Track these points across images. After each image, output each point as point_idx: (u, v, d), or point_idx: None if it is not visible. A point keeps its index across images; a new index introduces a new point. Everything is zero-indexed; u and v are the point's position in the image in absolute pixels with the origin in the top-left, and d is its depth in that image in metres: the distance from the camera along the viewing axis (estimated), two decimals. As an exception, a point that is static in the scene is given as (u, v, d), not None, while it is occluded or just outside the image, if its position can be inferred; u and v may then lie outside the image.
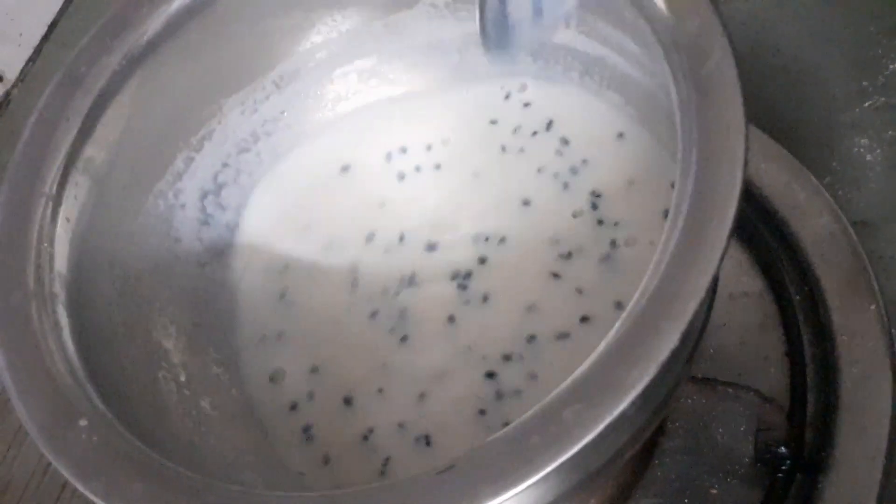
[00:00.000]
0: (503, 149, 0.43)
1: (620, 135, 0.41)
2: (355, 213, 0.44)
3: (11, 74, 0.78)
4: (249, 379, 0.41)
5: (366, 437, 0.39)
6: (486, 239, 0.41)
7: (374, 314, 0.41)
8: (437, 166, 0.44)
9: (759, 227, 0.46)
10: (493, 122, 0.44)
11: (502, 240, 0.41)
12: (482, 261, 0.41)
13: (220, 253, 0.44)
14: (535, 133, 0.43)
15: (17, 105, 0.77)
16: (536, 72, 0.43)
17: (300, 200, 0.45)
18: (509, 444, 0.26)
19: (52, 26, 0.80)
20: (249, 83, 0.44)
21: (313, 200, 0.45)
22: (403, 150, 0.45)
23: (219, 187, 0.44)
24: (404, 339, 0.40)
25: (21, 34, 0.79)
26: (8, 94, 0.78)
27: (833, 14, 0.57)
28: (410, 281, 0.41)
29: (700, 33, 0.30)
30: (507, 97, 0.44)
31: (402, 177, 0.44)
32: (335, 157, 0.45)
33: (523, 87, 0.44)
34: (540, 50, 0.42)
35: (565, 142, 0.42)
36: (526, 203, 0.41)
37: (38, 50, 0.79)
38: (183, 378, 0.39)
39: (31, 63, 0.79)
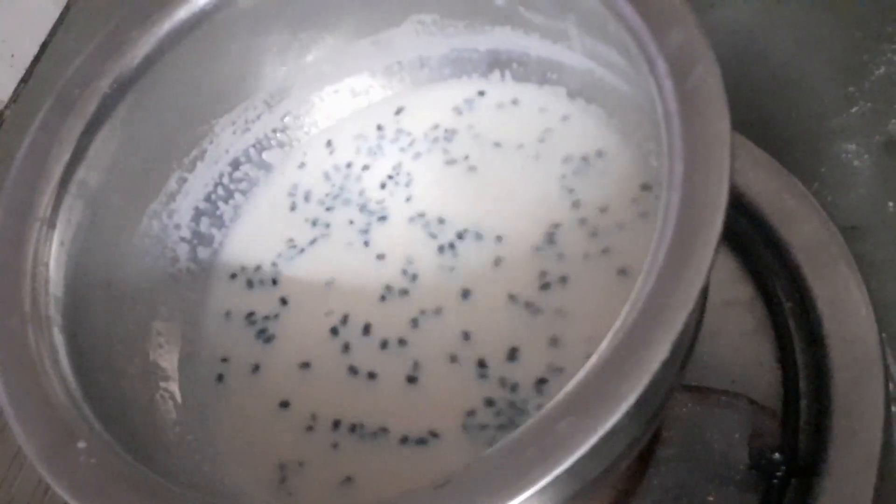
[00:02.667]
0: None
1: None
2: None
3: (4, 95, 0.78)
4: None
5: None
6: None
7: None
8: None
9: (749, 234, 0.46)
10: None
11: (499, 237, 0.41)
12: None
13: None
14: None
15: (10, 126, 0.77)
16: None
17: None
18: (505, 457, 0.26)
19: (44, 47, 0.80)
20: (240, 103, 0.44)
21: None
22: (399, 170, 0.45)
23: (213, 206, 0.44)
24: None
25: (13, 55, 0.80)
26: (1, 114, 0.78)
27: (819, 21, 0.57)
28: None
29: (684, 44, 0.31)
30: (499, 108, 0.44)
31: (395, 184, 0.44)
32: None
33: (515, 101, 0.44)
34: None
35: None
36: None
37: (30, 70, 0.79)
38: (180, 398, 0.39)
39: (23, 84, 0.79)
